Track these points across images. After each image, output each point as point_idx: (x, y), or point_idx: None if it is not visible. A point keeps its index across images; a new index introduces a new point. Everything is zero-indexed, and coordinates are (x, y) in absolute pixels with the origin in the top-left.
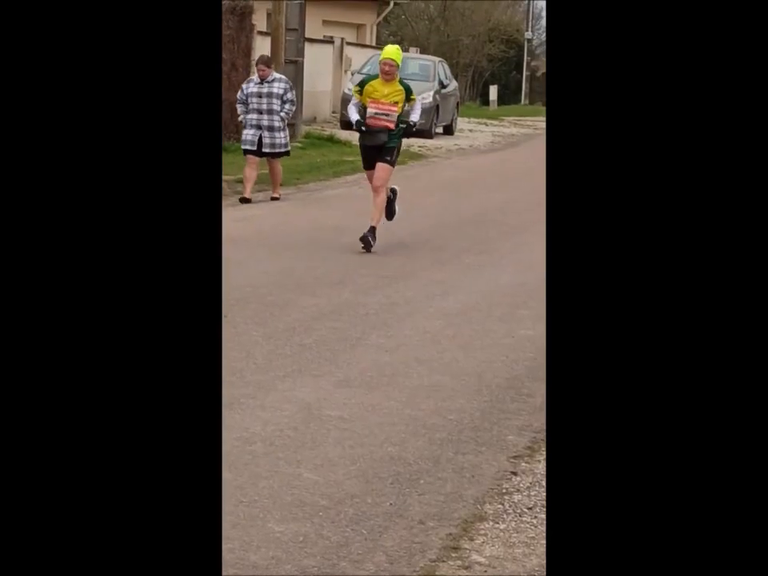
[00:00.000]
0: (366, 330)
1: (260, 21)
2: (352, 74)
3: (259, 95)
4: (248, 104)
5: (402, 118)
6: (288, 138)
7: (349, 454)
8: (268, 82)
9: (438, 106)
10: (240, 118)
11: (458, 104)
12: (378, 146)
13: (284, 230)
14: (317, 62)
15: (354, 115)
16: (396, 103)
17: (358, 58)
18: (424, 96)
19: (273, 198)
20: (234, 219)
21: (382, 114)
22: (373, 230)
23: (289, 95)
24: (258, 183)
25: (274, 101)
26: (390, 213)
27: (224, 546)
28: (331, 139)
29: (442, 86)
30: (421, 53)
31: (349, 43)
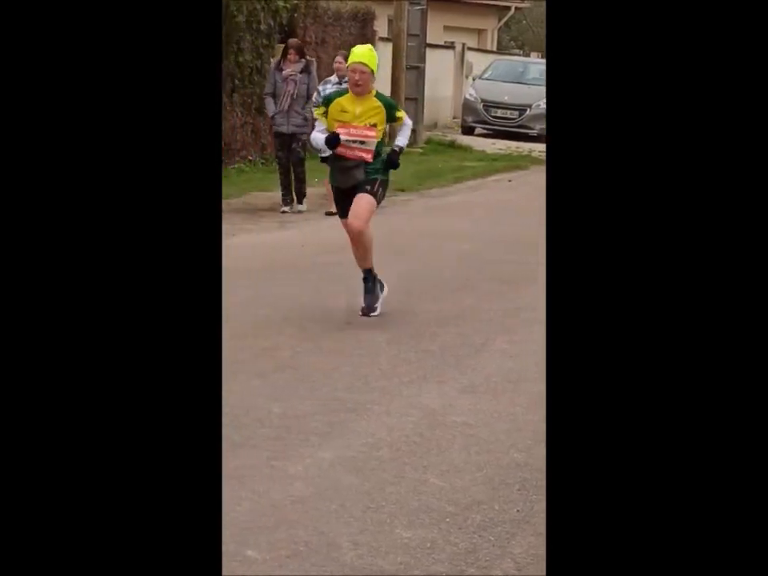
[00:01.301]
0: (489, 335)
1: (381, 27)
2: (473, 80)
3: None
4: None
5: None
6: None
7: (475, 460)
8: (347, 81)
9: None
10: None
11: None
12: (353, 187)
13: (405, 236)
14: (438, 67)
15: (319, 144)
16: (374, 126)
17: (479, 63)
18: (545, 101)
19: (327, 213)
20: None
21: (355, 142)
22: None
23: None
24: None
25: None
26: (372, 303)
27: (352, 552)
28: (452, 145)
29: None
30: (542, 57)
31: (470, 48)
